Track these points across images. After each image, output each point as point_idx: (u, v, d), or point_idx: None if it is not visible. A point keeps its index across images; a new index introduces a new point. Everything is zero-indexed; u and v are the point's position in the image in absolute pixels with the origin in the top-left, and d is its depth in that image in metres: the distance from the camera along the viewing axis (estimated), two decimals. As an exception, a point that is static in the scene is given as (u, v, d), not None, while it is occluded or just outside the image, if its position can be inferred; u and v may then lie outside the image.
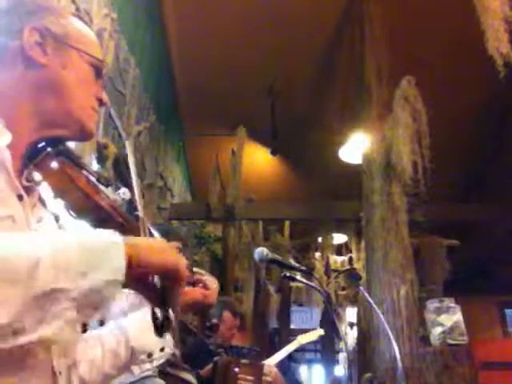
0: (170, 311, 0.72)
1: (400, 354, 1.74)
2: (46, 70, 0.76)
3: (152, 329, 1.01)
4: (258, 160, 7.10)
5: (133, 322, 1.00)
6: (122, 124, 3.85)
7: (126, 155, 0.88)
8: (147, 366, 1.00)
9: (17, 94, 0.75)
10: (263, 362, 2.76)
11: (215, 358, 2.13)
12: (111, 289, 0.60)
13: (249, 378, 2.09)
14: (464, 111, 5.76)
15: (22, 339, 0.52)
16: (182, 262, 0.70)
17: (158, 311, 0.71)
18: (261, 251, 1.68)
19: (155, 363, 1.01)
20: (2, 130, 0.68)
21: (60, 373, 0.72)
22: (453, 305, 3.84)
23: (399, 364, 1.79)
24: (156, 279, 0.70)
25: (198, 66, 5.76)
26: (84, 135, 0.82)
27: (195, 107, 6.26)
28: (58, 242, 0.58)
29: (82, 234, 0.65)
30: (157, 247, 0.69)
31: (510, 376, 4.25)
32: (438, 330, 3.76)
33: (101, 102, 0.85)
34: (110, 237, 0.63)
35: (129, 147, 0.87)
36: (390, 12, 4.73)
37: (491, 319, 9.03)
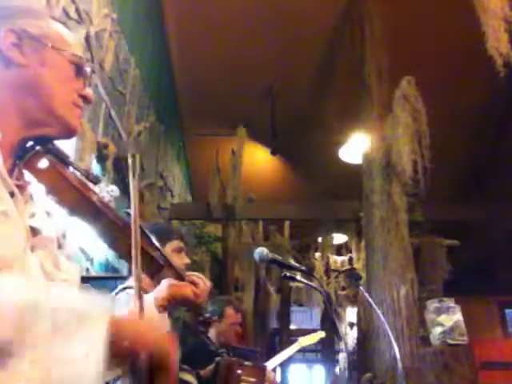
0: None
1: (400, 354, 1.74)
2: (24, 69, 0.78)
3: None
4: (258, 160, 7.10)
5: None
6: (122, 124, 3.86)
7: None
8: None
9: None
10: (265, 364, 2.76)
11: (217, 359, 2.12)
12: (84, 363, 0.57)
13: (251, 380, 2.08)
14: (464, 111, 5.76)
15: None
16: (172, 350, 0.68)
17: None
18: (261, 251, 1.68)
19: None
20: None
21: None
22: (453, 305, 3.83)
23: (399, 364, 1.79)
24: (140, 362, 0.66)
25: (197, 66, 5.76)
26: (68, 132, 0.83)
27: (195, 107, 6.27)
28: (38, 292, 0.57)
29: (69, 296, 0.63)
30: (143, 325, 0.68)
31: (510, 376, 4.26)
32: (438, 330, 3.76)
33: (85, 99, 0.86)
34: (97, 304, 0.61)
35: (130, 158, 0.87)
36: (389, 12, 4.73)
37: (491, 319, 9.03)
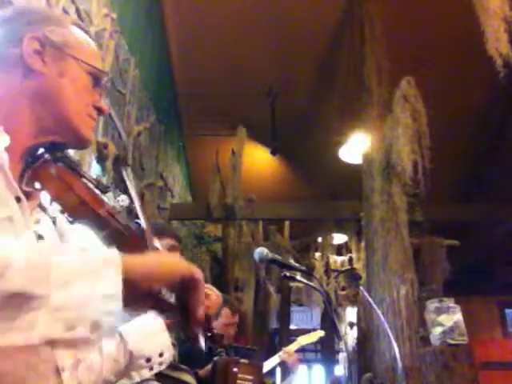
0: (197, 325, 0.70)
1: (400, 354, 1.74)
2: (43, 77, 0.77)
3: (151, 333, 0.99)
4: (258, 160, 7.10)
5: (132, 327, 0.99)
6: (122, 124, 3.86)
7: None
8: (146, 373, 0.99)
9: (15, 100, 0.76)
10: (263, 362, 2.76)
11: (215, 358, 2.12)
12: (106, 305, 0.57)
13: (248, 377, 2.09)
14: (464, 111, 5.76)
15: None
16: (194, 268, 0.69)
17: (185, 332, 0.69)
18: (261, 251, 1.68)
19: (155, 369, 0.98)
20: (0, 133, 0.69)
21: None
22: (453, 305, 3.83)
23: (399, 364, 1.80)
24: (169, 294, 0.68)
25: (198, 66, 5.76)
26: (80, 143, 0.83)
27: (195, 107, 6.27)
28: (43, 248, 0.56)
29: (74, 246, 0.63)
30: (159, 259, 0.68)
31: (510, 376, 4.25)
32: (438, 330, 3.76)
33: (100, 111, 0.86)
34: (106, 251, 0.61)
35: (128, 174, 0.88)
36: (389, 12, 4.73)
37: (491, 319, 9.03)
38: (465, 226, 6.81)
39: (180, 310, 0.70)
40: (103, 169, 3.24)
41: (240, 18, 5.22)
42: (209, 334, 0.81)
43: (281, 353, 3.04)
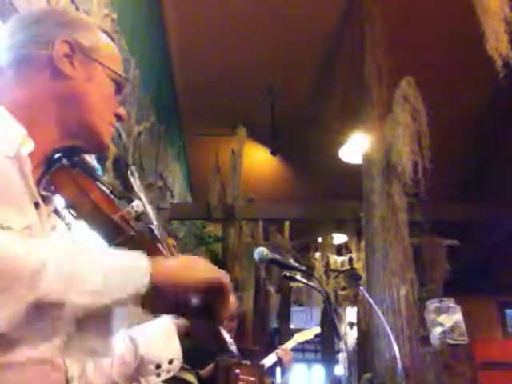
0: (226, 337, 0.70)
1: (400, 354, 1.74)
2: (71, 82, 0.78)
3: (162, 338, 0.99)
4: (258, 160, 7.10)
5: (143, 331, 1.00)
6: (122, 124, 3.86)
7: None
8: (154, 379, 0.99)
9: (41, 103, 0.76)
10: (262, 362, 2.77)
11: (216, 359, 2.12)
12: (129, 305, 0.58)
13: (250, 379, 2.09)
14: (464, 111, 5.76)
15: (19, 354, 0.48)
16: (220, 271, 0.68)
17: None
18: (261, 251, 1.68)
19: (162, 376, 0.98)
20: (26, 139, 0.69)
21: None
22: (453, 305, 3.84)
23: (399, 364, 1.80)
24: (195, 300, 0.67)
25: (198, 66, 5.76)
26: (100, 148, 0.84)
27: (195, 107, 6.27)
28: (72, 252, 0.55)
29: (101, 248, 0.63)
30: (184, 264, 0.67)
31: (510, 376, 4.26)
32: (438, 330, 3.77)
33: (119, 118, 0.87)
34: (134, 256, 0.61)
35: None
36: (390, 12, 4.73)
37: (491, 319, 9.03)
38: (465, 226, 6.81)
39: (206, 314, 0.69)
40: (103, 169, 3.24)
41: (240, 18, 5.22)
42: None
43: (278, 350, 3.04)
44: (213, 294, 0.67)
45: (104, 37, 0.86)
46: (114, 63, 0.85)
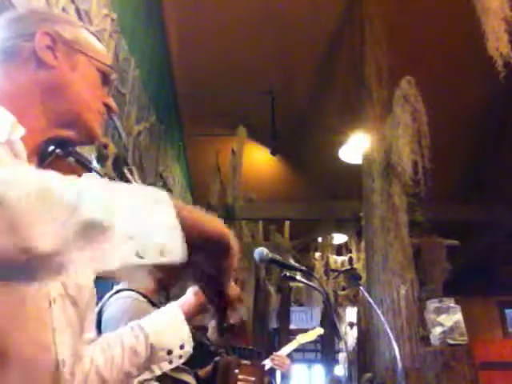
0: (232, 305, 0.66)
1: (400, 354, 1.74)
2: (55, 71, 0.80)
3: (172, 325, 1.00)
4: (258, 160, 7.10)
5: (152, 319, 1.01)
6: (122, 124, 3.85)
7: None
8: (167, 366, 0.99)
9: (28, 93, 0.78)
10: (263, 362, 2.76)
11: (216, 359, 2.12)
12: (170, 233, 0.54)
13: (250, 378, 2.08)
14: (464, 111, 5.76)
15: (63, 275, 0.46)
16: (230, 232, 0.65)
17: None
18: (261, 251, 1.68)
19: (174, 363, 0.99)
20: (16, 124, 0.70)
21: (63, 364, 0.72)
22: (453, 305, 3.83)
23: (399, 364, 1.79)
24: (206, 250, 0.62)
25: (198, 66, 5.76)
26: (90, 137, 0.85)
27: (195, 107, 6.26)
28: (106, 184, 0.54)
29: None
30: (200, 212, 0.64)
31: (510, 376, 4.26)
32: (437, 330, 3.76)
33: (108, 108, 0.88)
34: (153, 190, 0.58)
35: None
36: (390, 12, 4.73)
37: (491, 319, 9.04)
38: (465, 226, 6.81)
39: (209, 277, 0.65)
40: (103, 168, 3.24)
41: (240, 18, 5.22)
42: (224, 325, 0.77)
43: (273, 356, 3.01)
44: (220, 252, 0.64)
45: (86, 32, 0.88)
46: (97, 54, 0.86)
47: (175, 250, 0.53)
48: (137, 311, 1.44)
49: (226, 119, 6.30)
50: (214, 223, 0.64)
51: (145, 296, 1.60)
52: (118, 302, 1.55)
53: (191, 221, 0.59)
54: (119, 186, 0.56)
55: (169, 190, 6.05)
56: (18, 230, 0.43)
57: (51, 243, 0.45)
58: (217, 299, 0.67)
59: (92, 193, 0.50)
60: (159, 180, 5.47)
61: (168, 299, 1.56)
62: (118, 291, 1.59)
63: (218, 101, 6.03)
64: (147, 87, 4.68)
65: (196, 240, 0.58)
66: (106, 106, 0.87)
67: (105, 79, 0.87)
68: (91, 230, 0.48)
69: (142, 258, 0.50)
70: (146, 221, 0.52)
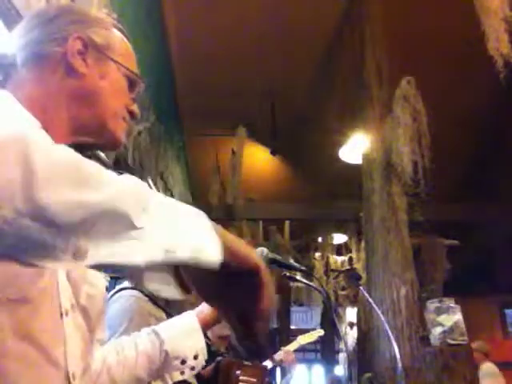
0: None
1: (400, 354, 1.74)
2: (84, 78, 0.78)
3: (187, 333, 0.99)
4: (258, 160, 7.10)
5: (169, 327, 1.00)
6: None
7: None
8: (178, 376, 0.97)
9: (53, 99, 0.76)
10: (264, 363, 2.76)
11: (217, 359, 2.11)
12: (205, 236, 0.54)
13: (251, 379, 2.08)
14: (464, 111, 5.76)
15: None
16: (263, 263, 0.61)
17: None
18: (261, 251, 1.68)
19: (186, 374, 0.97)
20: (39, 130, 0.69)
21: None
22: (453, 305, 3.83)
23: (399, 364, 1.79)
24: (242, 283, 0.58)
25: (198, 66, 5.76)
26: (113, 144, 0.85)
27: (195, 107, 6.27)
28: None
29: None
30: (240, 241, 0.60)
31: (510, 376, 4.26)
32: (437, 330, 3.76)
33: (132, 115, 0.87)
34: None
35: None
36: (390, 12, 4.73)
37: (491, 319, 9.04)
38: (465, 226, 6.82)
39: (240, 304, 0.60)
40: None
41: (240, 18, 5.22)
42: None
43: (280, 352, 3.04)
44: (254, 281, 0.58)
45: (118, 34, 0.87)
46: (127, 60, 0.85)
47: (212, 251, 0.52)
48: (139, 310, 1.43)
49: (226, 119, 6.30)
50: (248, 249, 0.59)
51: (148, 296, 1.60)
52: (120, 301, 1.55)
53: (229, 242, 0.57)
54: (165, 198, 0.55)
55: (169, 190, 6.05)
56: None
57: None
58: (241, 328, 0.61)
59: (130, 188, 0.51)
60: (159, 180, 5.47)
61: (167, 303, 1.56)
62: (120, 289, 1.59)
63: (218, 101, 6.03)
64: (147, 87, 4.67)
65: (233, 268, 0.55)
66: (130, 112, 0.86)
67: (131, 86, 0.86)
68: (120, 221, 0.47)
69: (173, 252, 0.49)
70: (185, 225, 0.52)
